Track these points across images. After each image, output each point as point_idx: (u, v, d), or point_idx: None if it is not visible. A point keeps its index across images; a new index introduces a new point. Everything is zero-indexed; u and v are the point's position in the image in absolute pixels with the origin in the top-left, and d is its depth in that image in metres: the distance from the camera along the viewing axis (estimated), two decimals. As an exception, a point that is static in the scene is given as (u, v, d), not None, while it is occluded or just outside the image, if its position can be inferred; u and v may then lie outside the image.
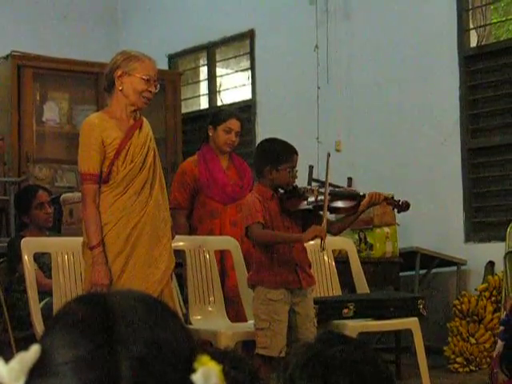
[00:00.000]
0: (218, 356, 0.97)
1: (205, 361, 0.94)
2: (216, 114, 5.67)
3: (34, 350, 0.93)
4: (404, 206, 4.52)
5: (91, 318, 0.95)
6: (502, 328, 4.15)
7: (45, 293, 4.79)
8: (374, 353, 1.55)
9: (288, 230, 4.37)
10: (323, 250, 4.30)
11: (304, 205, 4.39)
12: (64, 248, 4.65)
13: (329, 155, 4.49)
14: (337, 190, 4.75)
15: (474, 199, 6.86)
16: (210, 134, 5.46)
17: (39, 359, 0.93)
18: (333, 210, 4.53)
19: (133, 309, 0.97)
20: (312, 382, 1.47)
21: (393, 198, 4.65)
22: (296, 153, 4.38)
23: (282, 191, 4.41)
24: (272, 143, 4.47)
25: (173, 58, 9.19)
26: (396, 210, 4.67)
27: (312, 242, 4.81)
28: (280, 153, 4.33)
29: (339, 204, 4.45)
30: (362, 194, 4.51)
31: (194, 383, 0.92)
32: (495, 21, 7.31)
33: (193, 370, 0.93)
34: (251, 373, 1.06)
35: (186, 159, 5.74)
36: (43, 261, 5.14)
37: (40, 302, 4.60)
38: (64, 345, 0.93)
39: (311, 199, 4.39)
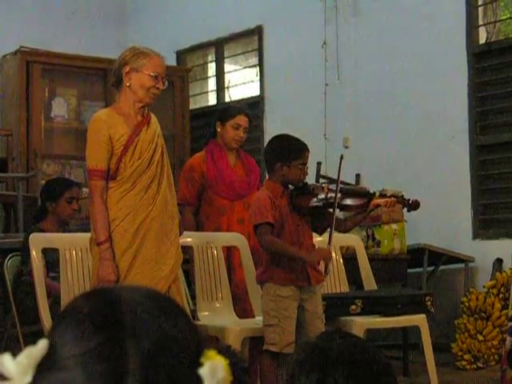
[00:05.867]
0: (224, 351, 0.98)
1: (212, 355, 0.94)
2: (224, 110, 5.64)
3: (42, 345, 0.93)
4: (414, 205, 4.52)
5: (99, 313, 0.95)
6: (510, 324, 4.14)
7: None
8: (373, 347, 1.57)
9: (298, 226, 4.37)
10: (327, 274, 4.35)
11: (314, 202, 4.39)
12: (72, 244, 4.66)
13: (342, 157, 4.49)
14: (347, 187, 4.74)
15: (482, 196, 6.85)
16: (218, 130, 5.42)
17: (47, 353, 0.93)
18: (342, 208, 4.52)
19: (140, 304, 0.97)
20: (311, 376, 1.48)
21: (403, 196, 4.64)
22: (307, 150, 4.38)
23: (292, 188, 4.41)
24: (284, 140, 4.46)
25: (181, 54, 9.19)
26: (406, 209, 4.67)
27: (320, 238, 4.82)
28: (292, 149, 4.33)
29: (349, 202, 4.45)
30: (372, 192, 4.50)
31: (202, 377, 0.92)
32: (504, 17, 7.28)
33: (200, 365, 0.93)
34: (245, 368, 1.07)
35: (193, 155, 5.72)
36: (52, 257, 5.13)
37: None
38: (72, 339, 0.94)
39: (321, 196, 4.39)
